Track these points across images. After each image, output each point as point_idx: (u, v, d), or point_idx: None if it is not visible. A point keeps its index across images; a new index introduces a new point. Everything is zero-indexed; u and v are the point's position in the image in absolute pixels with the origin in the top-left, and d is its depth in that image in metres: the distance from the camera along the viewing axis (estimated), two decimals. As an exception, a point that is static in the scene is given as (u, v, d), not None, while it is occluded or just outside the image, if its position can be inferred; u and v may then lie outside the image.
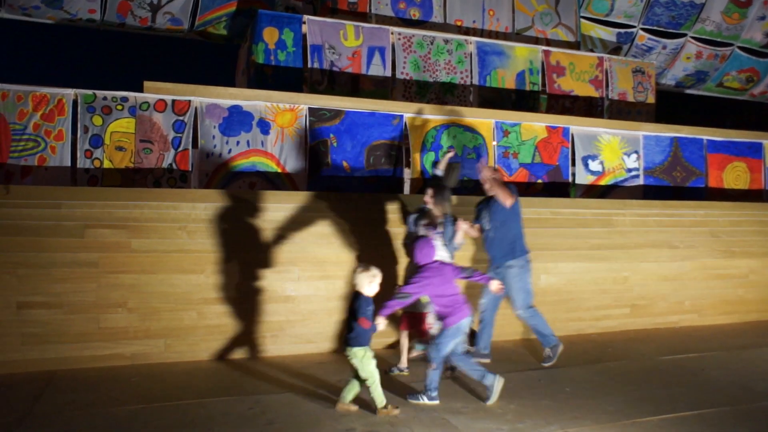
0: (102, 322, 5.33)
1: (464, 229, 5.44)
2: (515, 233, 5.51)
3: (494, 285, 4.69)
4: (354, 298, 4.24)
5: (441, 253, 5.05)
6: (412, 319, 5.25)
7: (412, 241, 4.79)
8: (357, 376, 4.22)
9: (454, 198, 6.14)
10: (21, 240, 5.21)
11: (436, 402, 4.39)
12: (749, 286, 7.86)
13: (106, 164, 6.32)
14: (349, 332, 4.18)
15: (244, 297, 5.75)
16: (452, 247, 5.36)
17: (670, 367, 5.52)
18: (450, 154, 5.98)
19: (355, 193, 6.69)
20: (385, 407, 4.15)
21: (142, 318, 5.45)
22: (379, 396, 4.16)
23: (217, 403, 4.33)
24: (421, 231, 5.20)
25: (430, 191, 5.44)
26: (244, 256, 5.76)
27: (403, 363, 5.27)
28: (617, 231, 7.28)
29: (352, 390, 4.25)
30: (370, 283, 4.22)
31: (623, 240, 7.27)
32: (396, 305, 4.32)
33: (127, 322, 5.39)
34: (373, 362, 4.17)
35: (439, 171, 5.88)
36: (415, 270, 4.55)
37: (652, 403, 4.46)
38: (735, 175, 9.01)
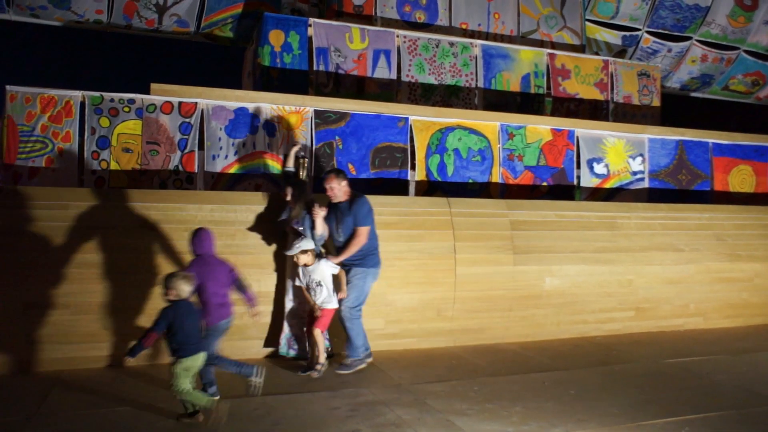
0: (108, 322, 5.35)
1: (322, 216, 5.32)
2: (368, 245, 5.39)
3: (252, 312, 4.81)
4: (189, 308, 4.07)
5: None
6: (311, 317, 5.31)
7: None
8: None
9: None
10: (28, 241, 5.24)
11: (213, 398, 4.16)
12: (754, 289, 7.83)
13: (113, 166, 6.37)
14: (200, 338, 4.10)
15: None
16: (317, 239, 5.30)
17: (674, 371, 5.51)
18: (296, 148, 5.95)
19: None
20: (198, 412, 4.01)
21: (149, 319, 5.44)
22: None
23: (223, 404, 4.33)
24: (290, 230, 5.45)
25: (289, 190, 5.48)
26: (250, 257, 5.78)
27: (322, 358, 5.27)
28: (622, 234, 7.27)
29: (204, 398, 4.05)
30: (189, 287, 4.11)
31: (628, 243, 7.26)
32: None
33: (133, 322, 5.41)
34: None
35: (290, 167, 5.86)
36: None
37: (657, 406, 4.46)
38: (740, 178, 9.00)
